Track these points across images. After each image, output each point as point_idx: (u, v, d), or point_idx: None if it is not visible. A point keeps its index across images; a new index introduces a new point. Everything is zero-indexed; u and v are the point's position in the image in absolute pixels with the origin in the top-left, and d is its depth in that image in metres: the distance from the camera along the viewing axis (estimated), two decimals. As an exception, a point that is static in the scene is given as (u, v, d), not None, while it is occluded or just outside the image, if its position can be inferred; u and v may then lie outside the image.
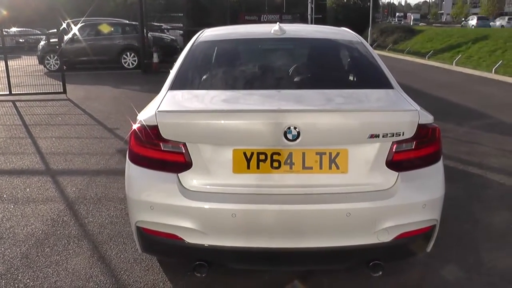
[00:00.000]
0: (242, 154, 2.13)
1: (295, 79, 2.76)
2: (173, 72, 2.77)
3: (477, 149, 5.44)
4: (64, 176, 4.56)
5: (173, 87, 2.59)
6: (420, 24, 45.76)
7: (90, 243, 3.17)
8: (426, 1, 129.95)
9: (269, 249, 2.14)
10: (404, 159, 2.20)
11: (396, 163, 2.19)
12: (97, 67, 13.26)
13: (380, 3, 52.40)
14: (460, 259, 2.93)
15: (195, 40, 3.14)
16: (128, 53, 13.93)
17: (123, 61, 13.95)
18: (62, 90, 9.29)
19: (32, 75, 10.17)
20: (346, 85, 2.70)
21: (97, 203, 3.87)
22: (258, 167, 2.14)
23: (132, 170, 2.29)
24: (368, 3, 42.91)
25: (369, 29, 28.63)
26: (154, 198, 2.17)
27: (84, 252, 3.03)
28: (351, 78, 2.83)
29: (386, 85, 2.60)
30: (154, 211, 2.16)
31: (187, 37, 14.10)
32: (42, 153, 5.35)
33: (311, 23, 34.96)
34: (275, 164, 2.13)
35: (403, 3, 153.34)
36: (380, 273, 2.26)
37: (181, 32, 19.19)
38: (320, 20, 36.85)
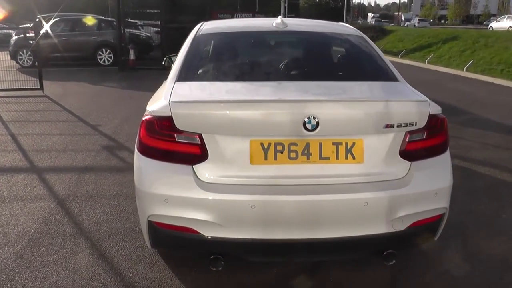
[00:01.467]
0: (260, 145, 2.11)
1: (305, 71, 2.76)
2: (177, 64, 2.72)
3: (460, 143, 5.59)
4: (51, 173, 4.40)
5: (180, 78, 2.54)
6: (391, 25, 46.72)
7: (87, 241, 3.07)
8: (395, 3, 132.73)
9: (286, 241, 2.12)
10: (416, 148, 2.24)
11: (409, 152, 2.23)
12: (71, 63, 12.88)
13: (351, 4, 53.25)
14: (459, 247, 3.00)
15: (196, 32, 3.08)
16: (103, 50, 13.58)
17: (98, 57, 13.58)
18: (38, 87, 8.96)
19: (4, 70, 9.76)
20: (355, 77, 2.71)
21: (89, 201, 3.75)
22: (275, 158, 2.12)
23: (143, 162, 2.23)
24: (340, 3, 43.50)
25: None
26: (169, 191, 2.11)
27: (83, 251, 2.94)
28: (358, 70, 2.85)
29: (392, 77, 2.64)
30: (169, 204, 2.11)
31: (164, 34, 13.91)
32: (25, 150, 5.15)
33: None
34: (292, 154, 2.12)
35: (372, 4, 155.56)
36: (394, 261, 2.28)
37: (156, 29, 18.96)
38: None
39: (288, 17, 38.73)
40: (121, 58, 12.77)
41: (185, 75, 2.58)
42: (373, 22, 44.41)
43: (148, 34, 16.57)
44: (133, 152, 4.71)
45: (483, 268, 2.80)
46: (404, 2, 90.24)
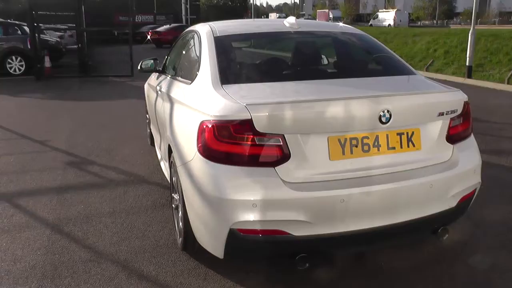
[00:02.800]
0: (337, 141, 2.16)
1: (344, 69, 2.84)
2: (210, 68, 2.61)
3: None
4: (24, 198, 3.93)
5: (225, 81, 2.45)
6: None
7: (115, 264, 2.82)
8: (287, 3, 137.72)
9: (370, 229, 2.19)
10: (456, 132, 2.48)
11: (452, 137, 2.46)
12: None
13: (248, 5, 54.18)
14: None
15: (211, 35, 2.95)
16: (13, 58, 12.25)
17: (8, 66, 12.23)
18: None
19: None
20: (389, 73, 2.86)
21: (88, 222, 3.44)
22: (351, 152, 2.19)
23: (217, 169, 2.13)
24: (238, 4, 44.13)
25: None
26: (257, 195, 2.05)
27: (117, 274, 2.69)
28: (386, 65, 2.99)
29: (411, 71, 2.84)
30: (258, 208, 2.04)
31: (80, 37, 13.01)
32: (-24, 177, 4.52)
33: (187, 23, 34.95)
34: (366, 147, 2.21)
35: (264, 5, 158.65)
36: (447, 236, 2.47)
37: (63, 33, 17.64)
38: (194, 21, 37.11)
39: (190, 18, 38.46)
40: (38, 66, 11.66)
41: (227, 78, 2.51)
42: None
43: (57, 39, 15.34)
44: (104, 166, 4.46)
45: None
46: (295, 2, 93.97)
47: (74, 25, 13.81)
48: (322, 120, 2.14)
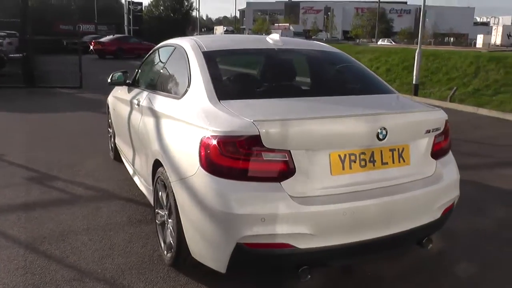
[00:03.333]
0: (338, 156, 2.30)
1: (333, 86, 3.01)
2: (203, 82, 2.69)
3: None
4: (-13, 217, 3.73)
5: (222, 97, 2.54)
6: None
7: (100, 282, 2.77)
8: (227, 17, 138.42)
9: (368, 241, 2.35)
10: (439, 148, 2.72)
11: (435, 152, 2.69)
12: None
13: (191, 17, 53.84)
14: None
15: (198, 51, 3.01)
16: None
17: None
18: None
19: None
20: (376, 91, 3.06)
21: (65, 240, 3.33)
22: (350, 167, 2.34)
23: (223, 185, 2.20)
24: (181, 16, 43.90)
25: None
26: (265, 210, 2.14)
27: (108, 292, 2.66)
28: (371, 85, 3.18)
29: (392, 90, 3.08)
30: (266, 222, 2.13)
31: (24, 46, 12.39)
32: None
33: (130, 34, 34.37)
34: (362, 163, 2.37)
35: (204, 18, 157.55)
36: (431, 245, 2.69)
37: (2, 40, 16.69)
38: (137, 32, 36.61)
39: (132, 29, 37.73)
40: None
41: (224, 93, 2.59)
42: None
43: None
44: (69, 181, 4.39)
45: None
46: (236, 16, 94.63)
47: (15, 32, 13.12)
48: (326, 137, 2.28)
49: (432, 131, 2.60)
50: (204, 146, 2.27)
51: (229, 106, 2.43)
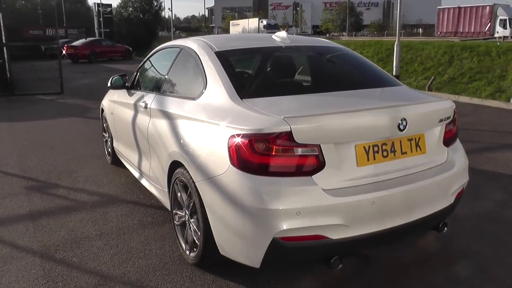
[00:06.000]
0: (363, 148, 2.39)
1: (351, 81, 3.10)
2: (222, 82, 2.73)
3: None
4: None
5: (244, 95, 2.58)
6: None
7: (126, 285, 2.78)
8: (195, 15, 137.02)
9: (392, 228, 2.44)
10: (450, 136, 2.85)
11: (447, 140, 2.81)
12: None
13: (160, 17, 53.07)
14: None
15: (210, 51, 3.04)
16: None
17: None
18: None
19: None
20: (388, 84, 3.13)
21: (80, 247, 3.30)
22: (374, 158, 2.44)
23: (257, 181, 2.26)
24: (151, 16, 43.35)
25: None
26: (300, 203, 2.20)
27: (136, 295, 2.67)
28: (381, 78, 3.24)
29: (399, 83, 3.18)
30: (301, 215, 2.19)
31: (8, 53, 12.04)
32: None
33: (101, 37, 33.77)
34: (384, 153, 2.47)
35: (173, 17, 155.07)
36: (446, 229, 2.80)
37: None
38: (108, 34, 36.02)
39: (104, 32, 37.14)
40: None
41: (244, 92, 2.63)
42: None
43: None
44: (70, 188, 4.38)
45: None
46: (204, 15, 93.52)
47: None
48: (352, 129, 2.36)
49: (444, 120, 2.73)
50: (234, 144, 2.31)
51: (254, 104, 2.48)
